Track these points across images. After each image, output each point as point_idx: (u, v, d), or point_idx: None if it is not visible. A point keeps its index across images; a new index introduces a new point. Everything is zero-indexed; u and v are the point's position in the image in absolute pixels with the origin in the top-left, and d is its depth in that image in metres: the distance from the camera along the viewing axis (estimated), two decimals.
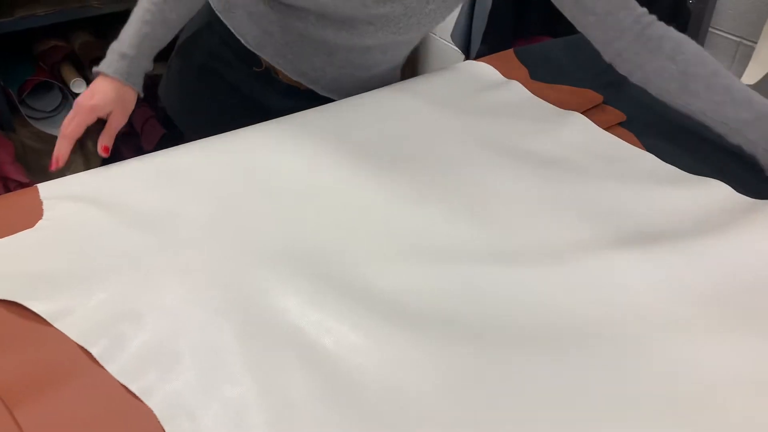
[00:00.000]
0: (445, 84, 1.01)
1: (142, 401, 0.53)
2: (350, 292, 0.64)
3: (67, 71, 1.79)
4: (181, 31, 0.88)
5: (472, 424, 0.52)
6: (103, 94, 0.79)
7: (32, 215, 0.71)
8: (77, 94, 1.77)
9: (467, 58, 1.67)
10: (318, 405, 0.53)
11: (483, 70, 1.05)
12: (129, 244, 0.67)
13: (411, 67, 2.30)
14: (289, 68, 0.96)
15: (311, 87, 0.98)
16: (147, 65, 0.83)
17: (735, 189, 0.79)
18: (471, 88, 1.00)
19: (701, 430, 0.52)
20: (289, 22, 0.89)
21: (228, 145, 0.85)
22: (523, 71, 1.05)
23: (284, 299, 0.62)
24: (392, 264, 0.68)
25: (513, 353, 0.58)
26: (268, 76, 0.98)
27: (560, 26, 1.44)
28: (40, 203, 0.73)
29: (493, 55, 1.11)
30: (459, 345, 0.59)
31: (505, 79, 1.02)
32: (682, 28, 1.29)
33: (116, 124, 0.82)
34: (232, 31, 0.95)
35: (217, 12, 0.96)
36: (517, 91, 0.99)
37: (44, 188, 0.75)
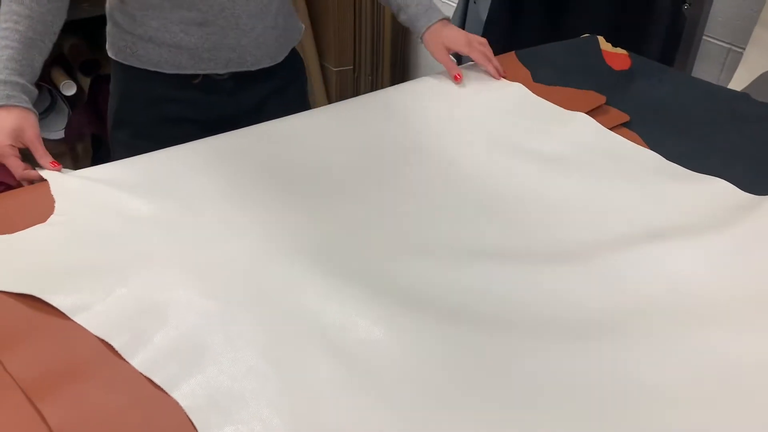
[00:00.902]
0: (450, 85, 1.01)
1: (166, 394, 0.52)
2: (369, 286, 0.64)
3: (56, 74, 1.77)
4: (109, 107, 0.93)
5: (486, 414, 0.52)
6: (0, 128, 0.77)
7: (44, 210, 0.70)
8: (67, 97, 1.76)
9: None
10: (339, 396, 0.53)
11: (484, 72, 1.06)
12: (146, 239, 0.67)
13: (406, 74, 2.31)
14: (212, 65, 0.96)
15: (241, 69, 0.98)
16: (24, 85, 0.81)
17: (738, 187, 0.80)
18: (474, 89, 1.01)
19: (721, 411, 0.53)
20: (165, 24, 0.91)
21: (242, 141, 0.84)
22: (525, 73, 1.07)
23: (303, 293, 0.62)
24: (408, 260, 0.68)
25: (526, 345, 0.59)
26: (209, 80, 0.98)
27: (559, 32, 1.47)
28: (52, 198, 0.72)
29: (497, 57, 1.12)
30: (475, 338, 0.59)
31: (507, 81, 1.03)
32: (677, 34, 1.32)
33: (33, 141, 0.79)
34: (148, 69, 0.96)
35: (124, 62, 0.97)
36: (520, 92, 1.00)
37: (55, 182, 0.74)
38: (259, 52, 0.98)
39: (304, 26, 1.08)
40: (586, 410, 0.53)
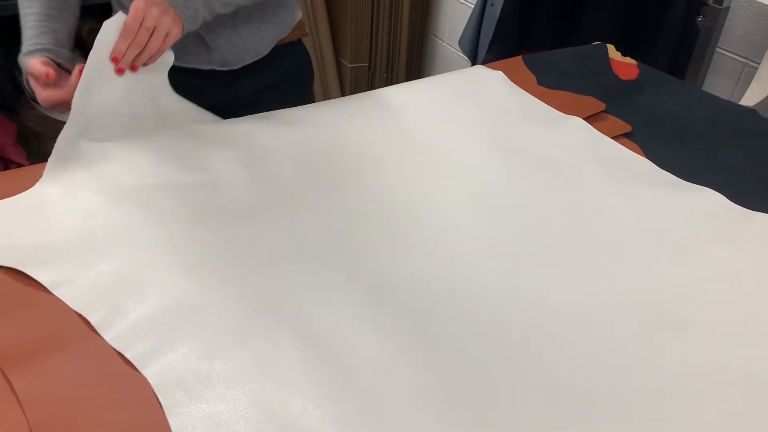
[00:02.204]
0: (453, 85, 1.02)
1: (137, 371, 0.53)
2: (348, 275, 0.64)
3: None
4: None
5: (462, 418, 0.53)
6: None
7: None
8: None
9: (474, 64, 1.68)
10: (308, 381, 0.53)
11: (491, 74, 1.05)
12: (132, 216, 0.67)
13: (422, 73, 2.32)
14: (206, 58, 0.97)
15: (225, 68, 0.98)
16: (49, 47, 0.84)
17: (733, 201, 0.80)
18: (478, 89, 1.01)
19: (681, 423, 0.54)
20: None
21: (228, 129, 0.85)
22: (531, 77, 1.06)
23: (281, 277, 0.63)
24: (394, 254, 0.68)
25: (512, 349, 0.59)
26: (214, 73, 0.99)
27: (569, 39, 1.46)
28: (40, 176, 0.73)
29: (502, 61, 1.12)
30: (461, 340, 0.59)
31: (511, 83, 1.03)
32: (690, 45, 1.31)
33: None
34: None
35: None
36: (522, 95, 1.00)
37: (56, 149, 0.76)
38: (237, 50, 0.98)
39: (300, 16, 1.06)
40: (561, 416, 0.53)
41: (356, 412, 0.51)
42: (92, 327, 0.56)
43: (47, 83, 0.80)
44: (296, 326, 0.58)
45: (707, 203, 0.79)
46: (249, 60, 0.99)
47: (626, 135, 0.95)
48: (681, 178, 0.84)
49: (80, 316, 0.57)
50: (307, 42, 1.64)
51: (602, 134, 0.92)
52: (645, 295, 0.66)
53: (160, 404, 0.51)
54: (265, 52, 1.01)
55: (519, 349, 0.59)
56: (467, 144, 0.88)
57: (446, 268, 0.67)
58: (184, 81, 0.92)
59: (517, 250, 0.71)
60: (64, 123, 0.76)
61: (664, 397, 0.56)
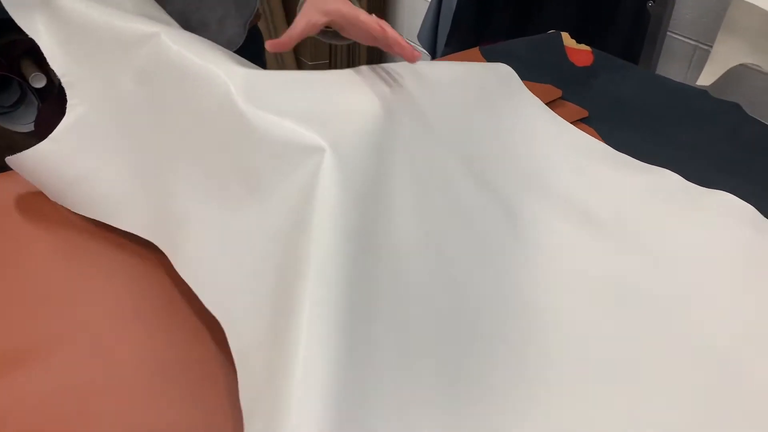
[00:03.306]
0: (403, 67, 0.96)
1: (102, 381, 0.52)
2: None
3: (26, 66, 1.75)
4: None
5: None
6: None
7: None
8: (37, 90, 1.74)
9: (434, 58, 1.69)
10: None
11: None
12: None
13: None
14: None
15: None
16: None
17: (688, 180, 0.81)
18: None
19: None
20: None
21: None
22: None
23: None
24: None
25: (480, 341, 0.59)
26: None
27: (526, 29, 1.48)
28: None
29: (459, 53, 1.12)
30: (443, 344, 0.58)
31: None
32: (643, 31, 1.33)
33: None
34: None
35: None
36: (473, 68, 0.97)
37: None
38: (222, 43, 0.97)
39: (258, 7, 1.02)
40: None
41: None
42: (56, 337, 0.55)
43: None
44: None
45: (665, 184, 0.80)
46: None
47: (583, 120, 0.97)
48: (638, 160, 0.86)
49: (42, 328, 0.56)
50: (263, 28, 1.62)
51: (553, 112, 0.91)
52: (607, 275, 0.67)
53: (127, 412, 0.50)
54: (241, 42, 0.98)
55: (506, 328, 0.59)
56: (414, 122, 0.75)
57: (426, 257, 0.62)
58: None
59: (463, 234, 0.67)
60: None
61: (623, 372, 0.57)
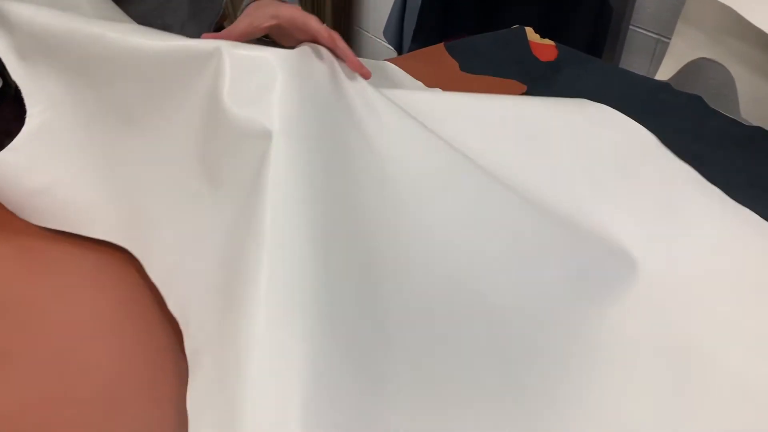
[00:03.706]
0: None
1: (68, 392, 0.51)
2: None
3: None
4: None
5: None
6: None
7: None
8: None
9: (400, 54, 1.69)
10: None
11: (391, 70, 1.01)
12: None
13: None
14: None
15: None
16: None
17: None
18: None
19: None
20: None
21: None
22: (453, 63, 1.07)
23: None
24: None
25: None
26: None
27: (491, 23, 1.48)
28: None
29: (424, 49, 1.12)
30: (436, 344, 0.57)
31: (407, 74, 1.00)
32: (606, 25, 1.35)
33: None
34: None
35: None
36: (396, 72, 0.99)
37: None
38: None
39: (223, 7, 1.02)
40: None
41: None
42: (19, 349, 0.54)
43: None
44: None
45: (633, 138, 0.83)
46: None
47: None
48: None
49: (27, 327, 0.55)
50: None
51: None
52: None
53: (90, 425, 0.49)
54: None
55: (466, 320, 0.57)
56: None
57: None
58: None
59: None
60: None
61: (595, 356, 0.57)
